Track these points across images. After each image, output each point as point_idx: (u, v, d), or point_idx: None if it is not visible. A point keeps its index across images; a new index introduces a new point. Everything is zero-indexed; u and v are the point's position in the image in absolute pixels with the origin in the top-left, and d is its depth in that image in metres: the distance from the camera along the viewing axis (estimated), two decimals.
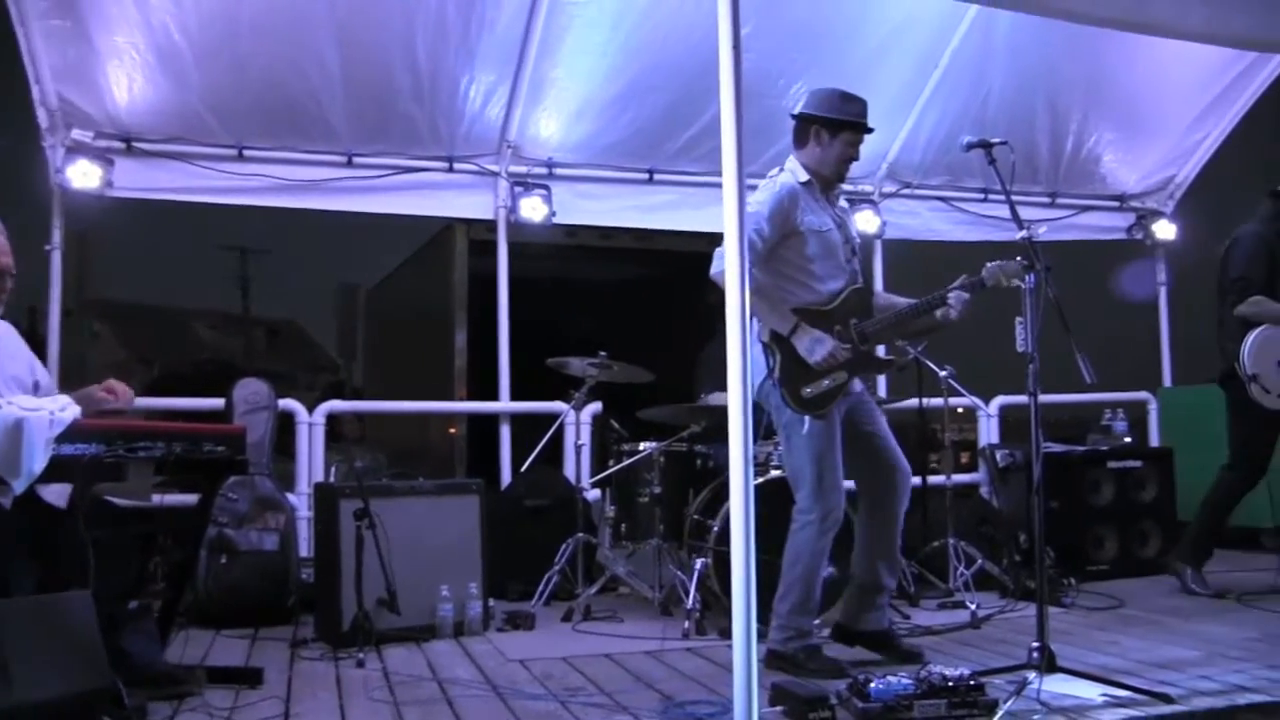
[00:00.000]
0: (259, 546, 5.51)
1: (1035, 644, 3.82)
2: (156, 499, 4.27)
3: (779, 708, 3.65)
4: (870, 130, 4.45)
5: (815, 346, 4.20)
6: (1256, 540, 7.26)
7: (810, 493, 4.30)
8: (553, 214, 7.16)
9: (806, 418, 4.27)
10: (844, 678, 3.88)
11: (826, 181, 4.46)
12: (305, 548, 5.93)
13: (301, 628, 5.20)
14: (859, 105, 4.43)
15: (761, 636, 4.29)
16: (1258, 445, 5.80)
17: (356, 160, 6.92)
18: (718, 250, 4.03)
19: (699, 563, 5.19)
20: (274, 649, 4.85)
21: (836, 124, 4.38)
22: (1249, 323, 5.69)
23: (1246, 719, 3.62)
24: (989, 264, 4.16)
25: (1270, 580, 5.96)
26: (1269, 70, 7.93)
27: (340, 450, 8.14)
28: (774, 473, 5.28)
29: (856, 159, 4.48)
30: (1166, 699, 3.65)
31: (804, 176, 4.40)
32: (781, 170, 4.46)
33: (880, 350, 4.52)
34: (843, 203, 4.63)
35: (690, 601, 5.11)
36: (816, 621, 4.51)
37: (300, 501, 6.30)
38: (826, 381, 4.25)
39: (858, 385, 4.47)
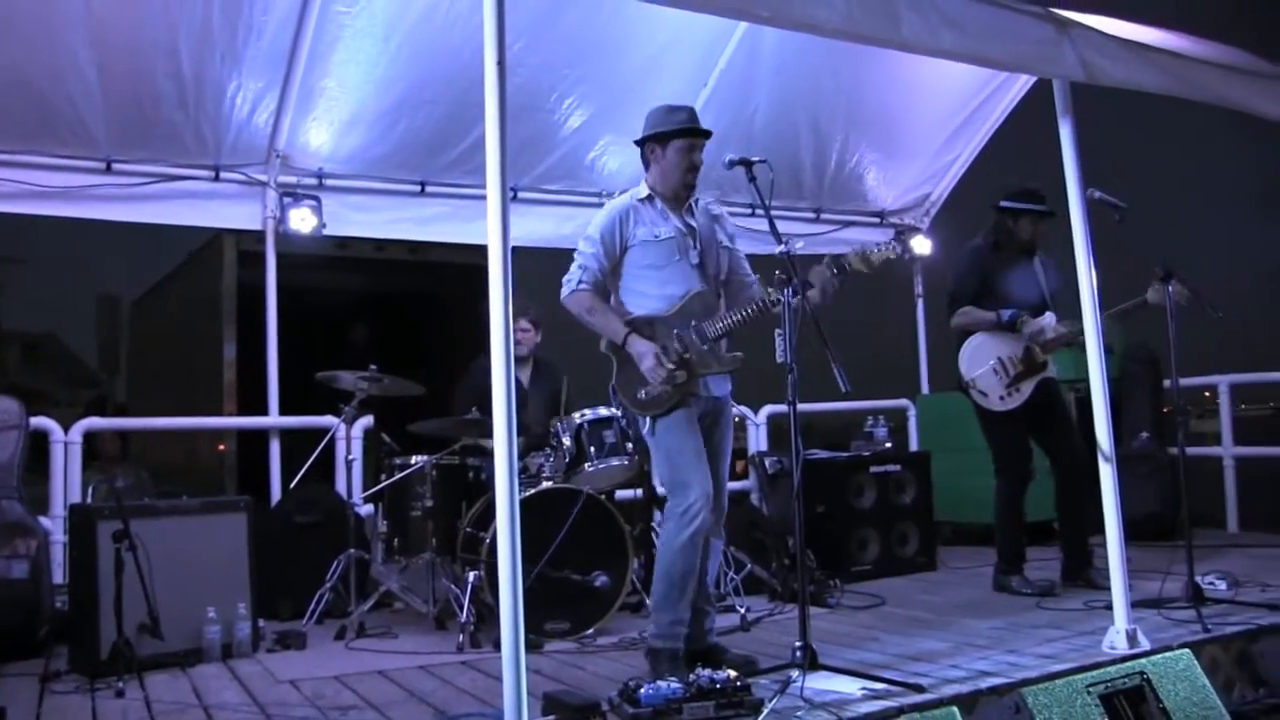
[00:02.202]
0: (6, 574, 5.16)
1: (798, 644, 3.95)
2: None
3: (550, 717, 3.68)
4: (705, 134, 4.53)
5: (642, 359, 4.33)
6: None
7: (670, 490, 4.38)
8: (323, 225, 7.01)
9: (658, 420, 4.37)
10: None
11: (673, 194, 4.53)
12: (60, 574, 5.63)
13: (55, 659, 4.93)
14: (683, 113, 4.53)
15: (532, 646, 4.34)
16: (1010, 446, 6.10)
17: (116, 167, 6.60)
18: (564, 278, 4.40)
19: (472, 575, 5.20)
20: (21, 685, 4.57)
21: (663, 136, 4.48)
22: (967, 332, 6.08)
23: (986, 700, 3.87)
24: (855, 248, 4.35)
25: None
26: (1014, 93, 8.46)
27: (100, 470, 7.77)
28: (545, 484, 5.34)
29: (697, 165, 4.50)
30: (918, 689, 3.87)
31: (644, 193, 4.53)
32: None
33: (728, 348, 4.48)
34: (715, 209, 4.68)
35: (464, 615, 5.12)
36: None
37: (55, 525, 5.95)
38: (661, 384, 4.35)
39: (718, 389, 4.51)
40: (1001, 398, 5.96)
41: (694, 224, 4.55)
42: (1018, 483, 6.10)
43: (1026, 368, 5.94)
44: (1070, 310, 5.63)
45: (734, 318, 4.39)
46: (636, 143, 4.60)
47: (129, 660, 4.47)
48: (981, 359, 6.00)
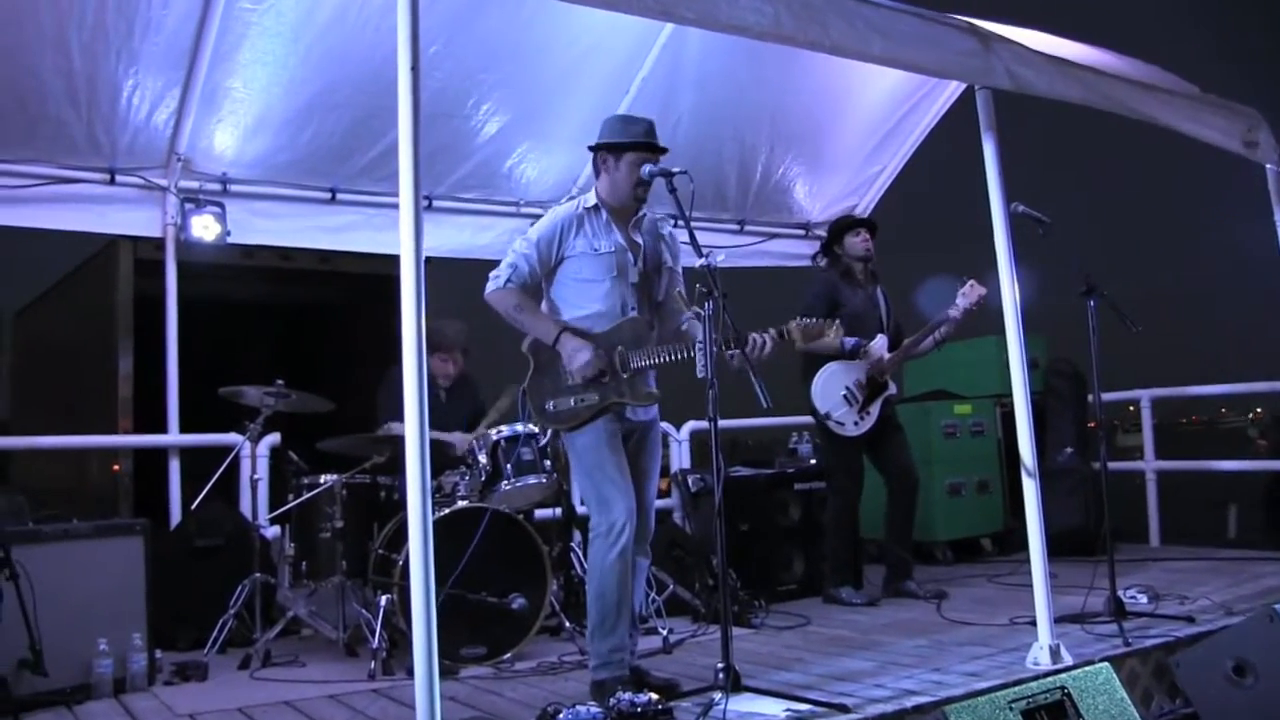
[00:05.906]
0: None
1: (721, 665, 3.88)
2: None
3: None
4: (661, 150, 4.39)
5: (575, 355, 4.23)
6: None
7: (592, 508, 4.26)
8: (227, 233, 6.72)
9: (576, 435, 4.28)
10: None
11: (621, 206, 4.41)
12: None
13: None
14: (640, 125, 4.41)
15: (447, 673, 4.19)
16: (849, 466, 6.45)
17: None
18: (491, 273, 4.31)
19: (384, 599, 5.03)
20: None
21: (618, 147, 4.36)
22: (813, 359, 6.27)
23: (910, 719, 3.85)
24: (795, 322, 4.18)
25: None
26: (938, 107, 8.42)
27: None
28: (460, 503, 5.20)
29: (649, 180, 4.34)
30: (843, 709, 3.83)
31: (591, 201, 4.41)
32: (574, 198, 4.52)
33: (651, 382, 4.43)
34: (664, 228, 4.58)
35: (376, 640, 4.95)
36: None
37: None
38: (571, 401, 4.27)
39: (643, 414, 4.42)
40: (856, 423, 6.37)
41: (639, 240, 4.45)
42: (852, 498, 6.45)
43: (872, 390, 6.35)
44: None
45: (661, 357, 4.29)
46: (590, 148, 4.48)
47: (5, 701, 4.20)
48: (833, 391, 6.34)
